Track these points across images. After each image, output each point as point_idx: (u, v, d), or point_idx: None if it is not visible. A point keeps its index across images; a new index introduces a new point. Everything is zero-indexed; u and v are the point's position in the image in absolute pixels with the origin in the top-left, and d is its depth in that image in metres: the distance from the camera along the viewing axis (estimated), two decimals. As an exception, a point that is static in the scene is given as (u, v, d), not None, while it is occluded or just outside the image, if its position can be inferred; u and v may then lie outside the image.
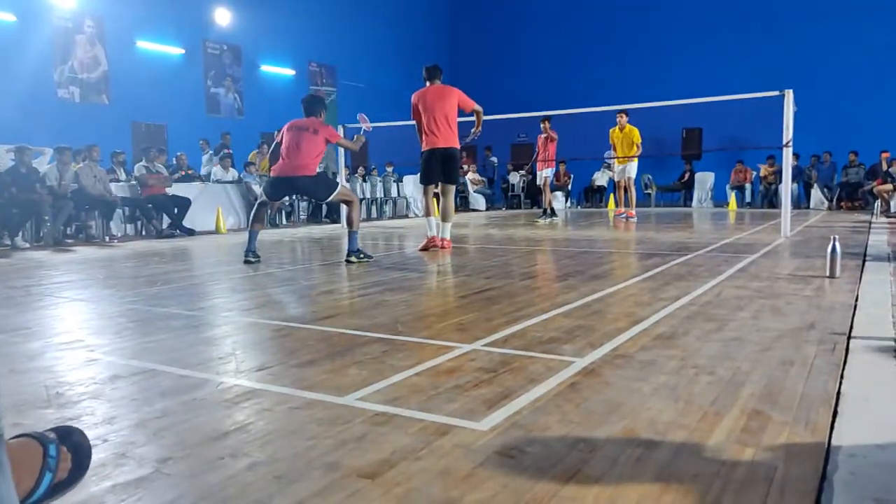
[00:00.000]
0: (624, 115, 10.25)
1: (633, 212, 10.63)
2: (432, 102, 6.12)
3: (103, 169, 9.14)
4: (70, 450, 1.30)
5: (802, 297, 3.35)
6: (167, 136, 13.32)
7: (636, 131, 10.31)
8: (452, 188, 6.33)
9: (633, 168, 10.68)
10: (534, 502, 1.25)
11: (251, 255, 5.31)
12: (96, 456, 1.45)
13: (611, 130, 10.50)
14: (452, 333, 2.68)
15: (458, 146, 6.23)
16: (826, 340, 2.44)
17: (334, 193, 5.33)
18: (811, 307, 3.08)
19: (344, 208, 7.04)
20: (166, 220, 9.32)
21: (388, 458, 1.45)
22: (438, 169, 6.17)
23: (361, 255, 5.29)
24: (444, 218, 6.23)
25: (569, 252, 5.90)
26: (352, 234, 5.32)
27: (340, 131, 10.27)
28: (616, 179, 11.11)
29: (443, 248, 6.13)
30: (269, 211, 5.76)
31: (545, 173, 11.08)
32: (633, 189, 10.76)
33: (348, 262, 5.22)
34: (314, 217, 12.34)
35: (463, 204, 16.10)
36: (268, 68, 15.30)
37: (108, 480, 1.37)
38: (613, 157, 10.67)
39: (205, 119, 14.02)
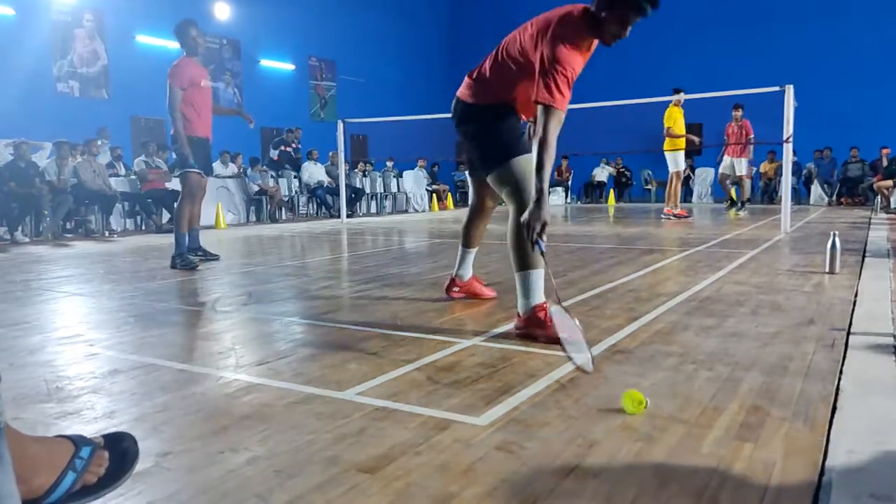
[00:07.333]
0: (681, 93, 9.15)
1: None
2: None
3: (102, 163, 9.14)
4: (114, 456, 1.28)
5: (802, 293, 3.36)
6: (167, 131, 13.29)
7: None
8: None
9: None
10: (532, 497, 1.25)
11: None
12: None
13: (670, 110, 9.35)
14: (452, 329, 2.68)
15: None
16: (825, 336, 2.44)
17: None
18: (810, 303, 3.08)
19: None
20: (166, 215, 9.31)
21: (388, 453, 1.46)
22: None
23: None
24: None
25: (568, 248, 5.90)
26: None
27: (340, 128, 10.27)
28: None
29: None
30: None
31: (742, 163, 10.18)
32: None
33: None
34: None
35: (463, 199, 16.10)
36: (267, 63, 15.25)
37: (108, 474, 1.37)
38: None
39: (205, 114, 13.99)
